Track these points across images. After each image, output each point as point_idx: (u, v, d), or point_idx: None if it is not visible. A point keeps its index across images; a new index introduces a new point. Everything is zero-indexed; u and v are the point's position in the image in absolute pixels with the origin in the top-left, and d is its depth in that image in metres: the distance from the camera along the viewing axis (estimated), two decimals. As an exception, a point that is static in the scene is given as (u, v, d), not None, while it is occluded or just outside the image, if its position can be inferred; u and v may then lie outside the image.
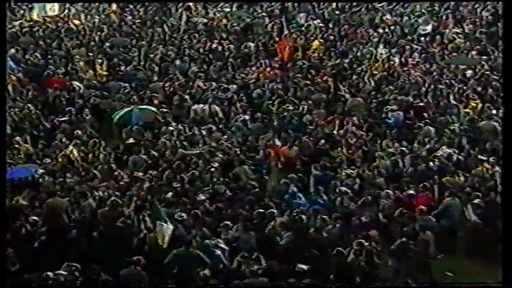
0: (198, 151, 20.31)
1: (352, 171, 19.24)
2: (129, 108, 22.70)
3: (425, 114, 22.62)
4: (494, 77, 24.71)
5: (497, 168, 18.80)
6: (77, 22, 31.31)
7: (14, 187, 18.35)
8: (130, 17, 32.45)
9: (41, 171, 19.14)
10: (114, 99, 24.01)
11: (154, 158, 20.09)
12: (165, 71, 26.51)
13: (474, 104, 22.82)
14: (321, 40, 28.88)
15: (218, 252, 15.48)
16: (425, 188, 18.44)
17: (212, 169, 19.12)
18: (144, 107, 23.06)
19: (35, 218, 16.52)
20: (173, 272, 15.23)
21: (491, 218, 17.29)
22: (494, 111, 22.33)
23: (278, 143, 20.99)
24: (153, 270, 15.03)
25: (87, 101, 23.75)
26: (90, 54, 27.42)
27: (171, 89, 24.86)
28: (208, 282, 14.72)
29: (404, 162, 19.83)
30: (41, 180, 18.76)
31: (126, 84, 25.07)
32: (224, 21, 31.66)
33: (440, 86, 24.33)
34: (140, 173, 18.85)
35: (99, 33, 29.96)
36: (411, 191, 18.24)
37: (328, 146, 20.88)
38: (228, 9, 33.51)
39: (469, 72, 25.45)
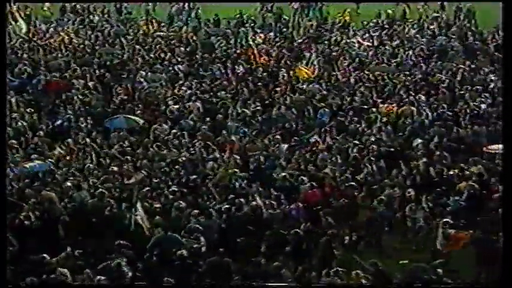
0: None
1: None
2: (116, 116, 24.24)
3: (350, 112, 25.13)
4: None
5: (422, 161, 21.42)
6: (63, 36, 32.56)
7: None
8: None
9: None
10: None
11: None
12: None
13: (392, 106, 25.52)
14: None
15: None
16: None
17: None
18: (130, 116, 24.32)
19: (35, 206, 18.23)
20: (155, 253, 16.97)
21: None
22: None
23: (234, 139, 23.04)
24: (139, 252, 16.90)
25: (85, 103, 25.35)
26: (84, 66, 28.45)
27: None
28: (186, 261, 16.38)
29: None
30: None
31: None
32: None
33: (362, 89, 26.92)
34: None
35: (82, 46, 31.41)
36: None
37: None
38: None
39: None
